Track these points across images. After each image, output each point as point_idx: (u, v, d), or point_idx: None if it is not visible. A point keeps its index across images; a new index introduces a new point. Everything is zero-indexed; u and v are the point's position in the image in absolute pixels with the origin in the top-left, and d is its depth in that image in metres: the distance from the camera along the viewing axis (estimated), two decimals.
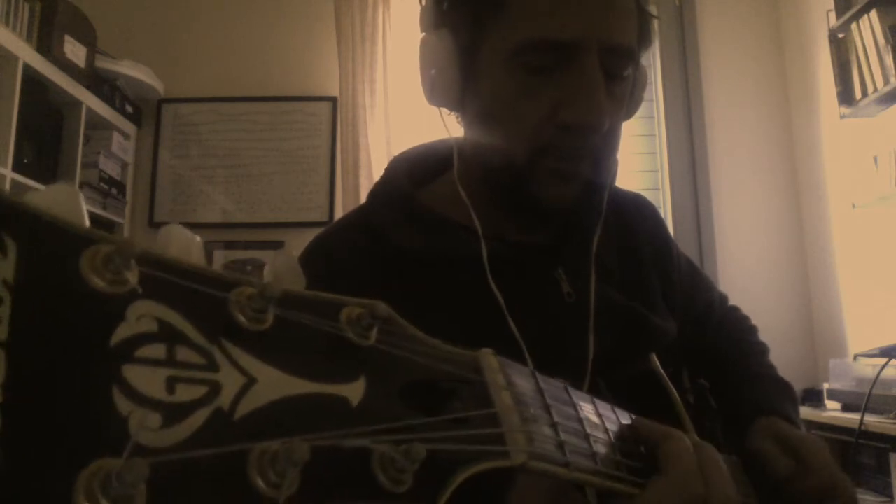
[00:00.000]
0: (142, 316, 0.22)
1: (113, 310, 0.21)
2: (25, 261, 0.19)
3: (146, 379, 0.21)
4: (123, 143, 2.88)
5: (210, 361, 0.23)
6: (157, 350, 0.22)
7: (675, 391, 0.71)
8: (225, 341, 0.24)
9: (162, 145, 2.98)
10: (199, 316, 0.23)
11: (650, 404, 0.47)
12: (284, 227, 2.88)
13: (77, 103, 2.56)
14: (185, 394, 0.22)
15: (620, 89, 0.67)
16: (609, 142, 0.68)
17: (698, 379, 0.84)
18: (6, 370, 0.18)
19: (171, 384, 0.22)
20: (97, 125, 2.73)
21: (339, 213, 2.87)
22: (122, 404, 0.20)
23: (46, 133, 2.49)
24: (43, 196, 0.21)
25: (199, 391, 0.22)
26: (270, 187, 2.93)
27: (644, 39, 0.70)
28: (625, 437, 0.44)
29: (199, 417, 0.22)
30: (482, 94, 0.68)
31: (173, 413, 0.21)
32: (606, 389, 0.66)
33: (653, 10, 0.71)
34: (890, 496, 1.96)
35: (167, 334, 0.22)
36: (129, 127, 2.91)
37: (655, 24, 0.72)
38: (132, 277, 0.22)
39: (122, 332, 0.21)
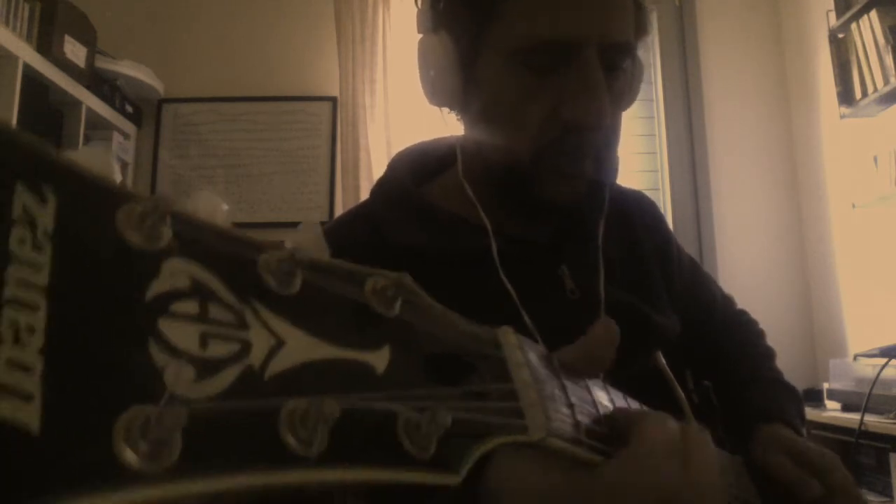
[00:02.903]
0: (176, 272, 0.22)
1: (148, 265, 0.21)
2: (64, 212, 0.20)
3: (180, 333, 0.21)
4: (123, 143, 2.87)
5: (240, 320, 0.23)
6: (190, 306, 0.22)
7: (679, 389, 0.71)
8: (255, 302, 0.24)
9: (162, 145, 2.98)
10: (230, 276, 0.23)
11: (654, 403, 0.47)
12: (284, 227, 2.87)
13: (77, 103, 2.56)
14: (217, 350, 0.22)
15: (619, 82, 0.67)
16: (610, 137, 0.68)
17: (702, 378, 0.83)
18: (47, 314, 0.18)
19: (204, 339, 0.22)
20: (97, 125, 2.73)
21: (338, 213, 2.87)
22: (158, 356, 0.20)
23: (46, 133, 2.49)
24: (79, 155, 0.21)
25: (230, 348, 0.22)
26: (270, 187, 2.93)
27: (640, 31, 0.70)
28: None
29: (231, 373, 0.22)
30: (483, 96, 0.68)
31: (206, 367, 0.21)
32: (610, 386, 0.66)
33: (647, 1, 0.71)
34: (890, 496, 1.96)
35: (200, 291, 0.22)
36: (129, 127, 2.91)
37: (652, 14, 0.73)
38: (166, 234, 0.22)
39: (156, 287, 0.21)
